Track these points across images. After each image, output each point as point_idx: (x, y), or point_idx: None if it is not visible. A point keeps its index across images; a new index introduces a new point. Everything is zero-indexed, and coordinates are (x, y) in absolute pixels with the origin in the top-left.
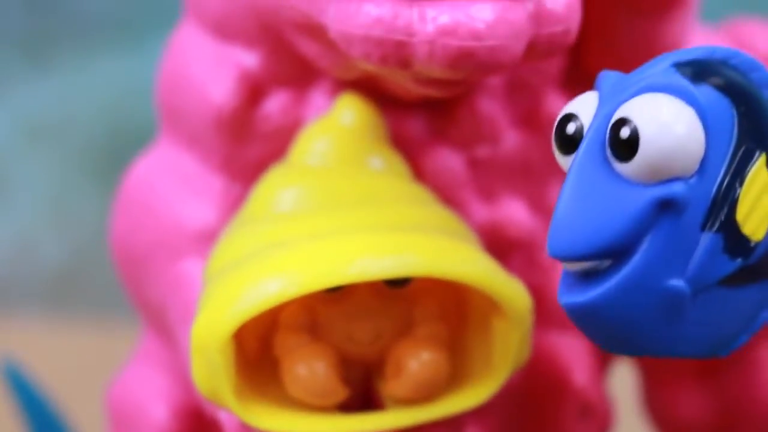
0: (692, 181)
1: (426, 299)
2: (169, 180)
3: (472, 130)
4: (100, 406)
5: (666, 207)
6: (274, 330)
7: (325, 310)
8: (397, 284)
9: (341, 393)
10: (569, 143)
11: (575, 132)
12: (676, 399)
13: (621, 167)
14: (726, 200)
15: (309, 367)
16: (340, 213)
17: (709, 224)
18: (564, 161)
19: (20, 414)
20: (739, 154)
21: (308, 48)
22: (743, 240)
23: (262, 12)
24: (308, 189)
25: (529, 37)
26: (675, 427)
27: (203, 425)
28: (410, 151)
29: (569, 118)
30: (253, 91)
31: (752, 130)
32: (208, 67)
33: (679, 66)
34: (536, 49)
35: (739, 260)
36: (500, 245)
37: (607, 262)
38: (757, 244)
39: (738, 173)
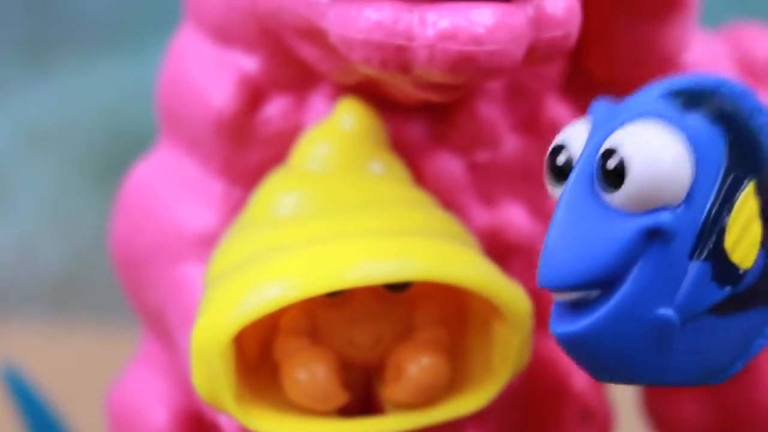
0: (680, 210)
1: (426, 303)
2: (169, 184)
3: (472, 135)
4: (100, 410)
5: (654, 236)
6: (275, 334)
7: (325, 315)
8: (398, 288)
9: (341, 397)
10: (560, 173)
11: (565, 163)
12: (676, 402)
13: (609, 197)
14: (714, 228)
15: (309, 372)
16: (340, 217)
17: (697, 253)
18: (555, 191)
19: (20, 418)
20: (728, 181)
21: (308, 52)
22: (732, 268)
23: (262, 16)
24: (308, 193)
25: (529, 41)
26: (675, 431)
27: (203, 429)
28: (410, 156)
29: (560, 148)
30: (254, 96)
31: (741, 158)
32: (208, 71)
33: (669, 95)
34: (536, 53)
35: (728, 288)
36: (500, 249)
37: (596, 292)
38: (746, 271)
39: (726, 201)
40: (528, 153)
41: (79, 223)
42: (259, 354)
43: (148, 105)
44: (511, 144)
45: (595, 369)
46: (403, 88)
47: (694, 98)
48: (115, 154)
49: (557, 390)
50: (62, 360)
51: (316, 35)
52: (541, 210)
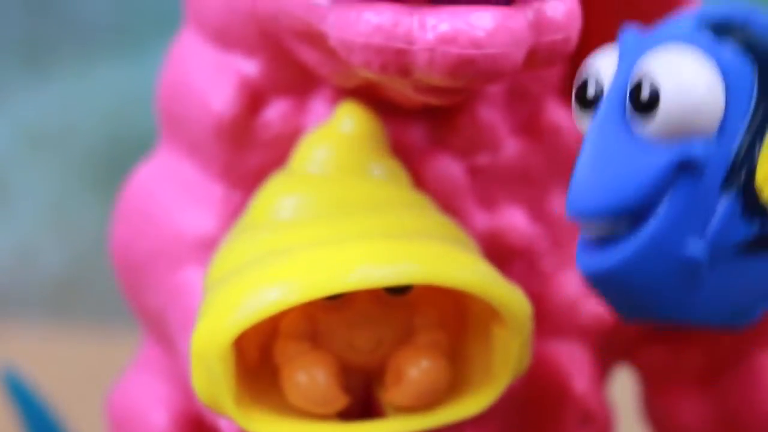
0: (712, 141)
1: (426, 307)
2: (170, 188)
3: (472, 138)
4: (100, 413)
5: (685, 168)
6: (275, 338)
7: (325, 318)
8: (398, 292)
9: (341, 401)
10: (590, 100)
11: (596, 89)
12: (677, 406)
13: (640, 126)
14: (745, 162)
15: (309, 375)
16: (340, 221)
17: (728, 186)
18: (584, 119)
19: (20, 422)
20: (759, 114)
21: (308, 56)
22: (762, 205)
23: (262, 20)
24: (308, 197)
25: (530, 45)
26: None
27: None
28: (410, 159)
29: (590, 74)
30: (254, 99)
31: None
32: (208, 74)
33: (701, 23)
34: (536, 57)
35: (756, 225)
36: (500, 253)
37: (624, 227)
38: None
39: (758, 135)
40: (528, 156)
41: (79, 226)
42: (259, 357)
43: (148, 108)
44: (511, 147)
45: (621, 305)
46: (403, 91)
47: (724, 29)
48: (115, 158)
49: (557, 393)
50: (62, 363)
51: (316, 38)
52: (541, 213)
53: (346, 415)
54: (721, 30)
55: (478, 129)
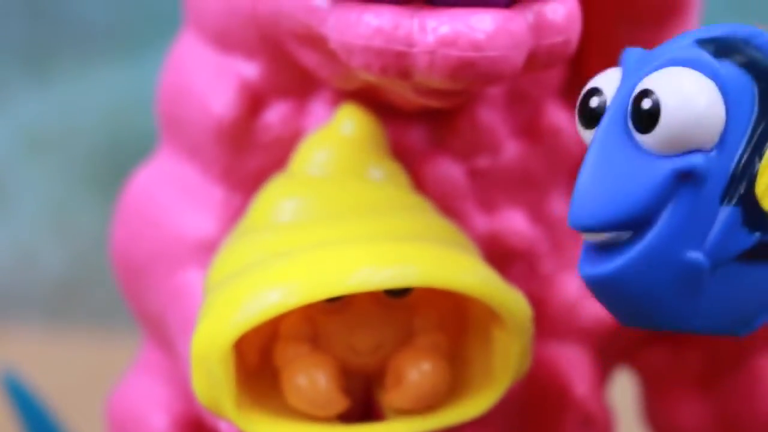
0: (712, 153)
1: (426, 309)
2: (170, 190)
3: (472, 141)
4: (100, 416)
5: (686, 178)
6: (275, 340)
7: (325, 321)
8: (398, 294)
9: (342, 403)
10: (592, 117)
11: (598, 106)
12: (677, 409)
13: (642, 138)
14: (745, 174)
15: (309, 378)
16: (340, 223)
17: (728, 197)
18: (587, 135)
19: (20, 424)
20: (759, 130)
21: (308, 58)
22: (762, 214)
23: (262, 22)
24: (309, 199)
25: (530, 47)
26: None
27: None
28: (410, 162)
29: (593, 92)
30: (254, 102)
31: None
32: (208, 77)
33: (702, 42)
34: (536, 59)
35: (757, 234)
36: (500, 255)
37: (627, 234)
38: None
39: (757, 149)
40: (528, 159)
41: (79, 228)
42: (259, 360)
43: (148, 110)
44: (511, 150)
45: (622, 312)
46: (403, 94)
47: (727, 47)
48: (116, 160)
49: (558, 396)
50: (62, 365)
51: (316, 41)
52: (541, 216)
53: (347, 417)
54: (723, 48)
55: (478, 131)
